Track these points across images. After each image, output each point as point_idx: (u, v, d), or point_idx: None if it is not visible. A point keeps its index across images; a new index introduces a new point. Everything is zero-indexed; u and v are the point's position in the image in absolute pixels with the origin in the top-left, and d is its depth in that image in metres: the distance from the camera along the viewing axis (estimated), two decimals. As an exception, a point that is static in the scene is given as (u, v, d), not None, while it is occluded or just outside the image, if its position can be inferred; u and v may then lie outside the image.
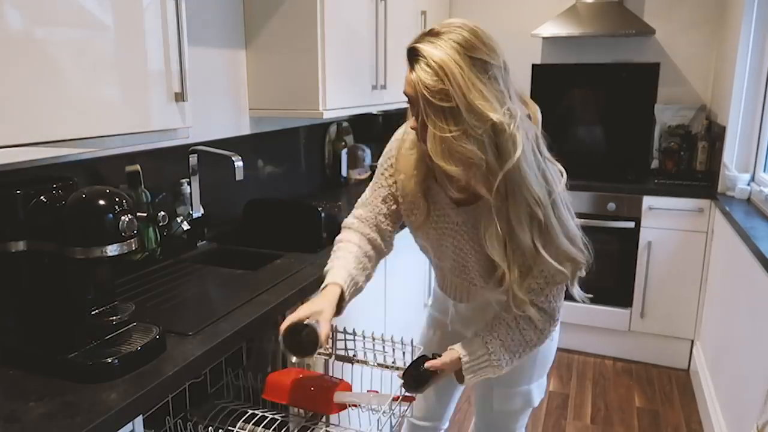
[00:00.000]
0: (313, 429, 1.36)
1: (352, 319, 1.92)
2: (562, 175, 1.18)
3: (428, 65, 1.05)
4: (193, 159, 1.86)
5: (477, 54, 1.05)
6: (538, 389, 1.44)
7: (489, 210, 1.14)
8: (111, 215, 1.07)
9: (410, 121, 1.18)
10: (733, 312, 2.27)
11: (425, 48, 1.06)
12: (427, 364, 1.22)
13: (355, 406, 1.32)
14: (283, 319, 1.52)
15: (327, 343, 1.27)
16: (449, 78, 1.04)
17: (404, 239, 2.42)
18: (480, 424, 1.54)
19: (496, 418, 1.48)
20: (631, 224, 2.92)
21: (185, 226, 1.82)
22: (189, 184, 1.87)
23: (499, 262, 1.17)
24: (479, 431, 1.55)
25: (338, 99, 2.27)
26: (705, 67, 3.19)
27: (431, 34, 1.08)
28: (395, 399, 1.30)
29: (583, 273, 1.24)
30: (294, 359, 1.29)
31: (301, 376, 1.40)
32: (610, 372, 3.00)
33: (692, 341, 2.96)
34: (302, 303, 1.58)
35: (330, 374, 1.49)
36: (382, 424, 1.28)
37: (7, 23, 1.01)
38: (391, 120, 3.30)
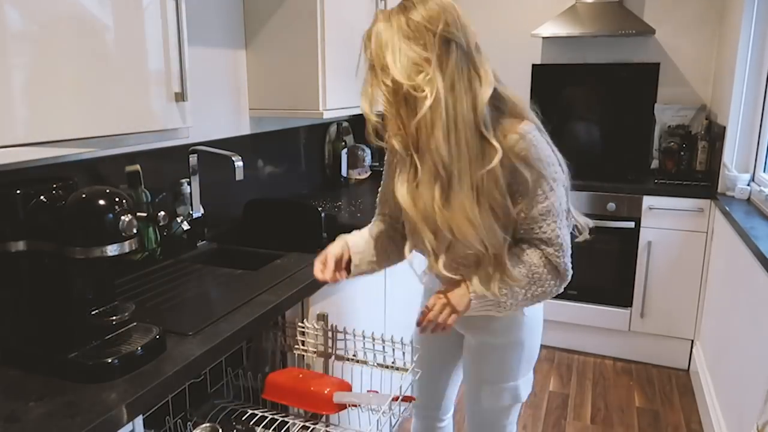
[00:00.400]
0: (313, 429, 1.36)
1: (352, 319, 1.92)
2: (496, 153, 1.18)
3: (373, 21, 1.19)
4: (193, 159, 1.86)
5: (416, 18, 1.14)
6: (525, 385, 1.47)
7: (403, 160, 1.24)
8: (111, 215, 1.07)
9: None
10: (733, 312, 2.27)
11: (379, 15, 1.20)
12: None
13: (355, 406, 1.32)
14: (284, 319, 1.53)
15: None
16: (373, 35, 1.17)
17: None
18: (471, 421, 1.55)
19: (486, 415, 1.50)
20: (631, 224, 2.92)
21: (185, 226, 1.82)
22: (189, 184, 1.88)
23: (404, 206, 1.24)
24: (471, 429, 1.56)
25: (338, 99, 2.27)
26: (705, 67, 3.19)
27: (399, 5, 1.19)
28: (395, 399, 1.31)
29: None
30: None
31: (300, 376, 1.40)
32: (610, 372, 3.01)
33: (692, 341, 2.96)
34: (302, 304, 1.59)
35: (330, 374, 1.49)
36: (381, 425, 1.29)
37: (7, 23, 1.01)
38: (391, 120, 3.30)
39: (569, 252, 1.27)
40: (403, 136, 1.20)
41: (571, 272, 1.27)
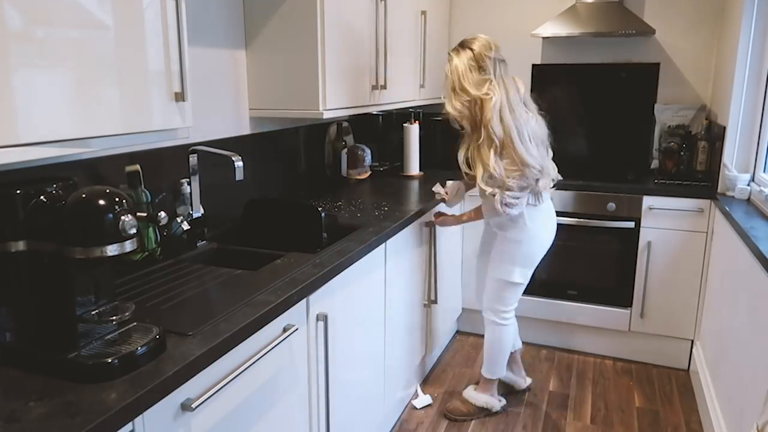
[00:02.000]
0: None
1: (352, 319, 1.92)
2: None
3: (449, 64, 2.17)
4: (193, 159, 1.86)
5: (478, 51, 2.10)
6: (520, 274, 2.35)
7: (469, 137, 2.19)
8: (111, 215, 1.07)
9: None
10: (733, 312, 2.27)
11: (452, 54, 2.17)
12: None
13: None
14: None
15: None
16: (452, 72, 2.14)
17: (405, 239, 2.42)
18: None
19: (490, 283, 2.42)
20: (631, 224, 2.92)
21: (185, 226, 1.82)
22: (189, 184, 1.88)
23: (461, 164, 2.24)
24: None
25: (338, 99, 2.27)
26: (705, 67, 3.19)
27: (461, 44, 2.16)
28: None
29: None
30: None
31: None
32: (610, 372, 3.01)
33: (692, 341, 2.96)
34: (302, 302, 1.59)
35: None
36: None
37: (7, 23, 1.01)
38: (391, 120, 3.30)
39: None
40: (472, 121, 2.13)
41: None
